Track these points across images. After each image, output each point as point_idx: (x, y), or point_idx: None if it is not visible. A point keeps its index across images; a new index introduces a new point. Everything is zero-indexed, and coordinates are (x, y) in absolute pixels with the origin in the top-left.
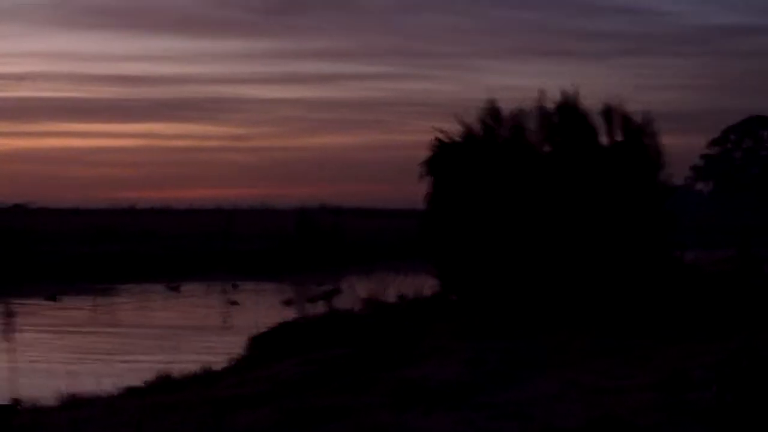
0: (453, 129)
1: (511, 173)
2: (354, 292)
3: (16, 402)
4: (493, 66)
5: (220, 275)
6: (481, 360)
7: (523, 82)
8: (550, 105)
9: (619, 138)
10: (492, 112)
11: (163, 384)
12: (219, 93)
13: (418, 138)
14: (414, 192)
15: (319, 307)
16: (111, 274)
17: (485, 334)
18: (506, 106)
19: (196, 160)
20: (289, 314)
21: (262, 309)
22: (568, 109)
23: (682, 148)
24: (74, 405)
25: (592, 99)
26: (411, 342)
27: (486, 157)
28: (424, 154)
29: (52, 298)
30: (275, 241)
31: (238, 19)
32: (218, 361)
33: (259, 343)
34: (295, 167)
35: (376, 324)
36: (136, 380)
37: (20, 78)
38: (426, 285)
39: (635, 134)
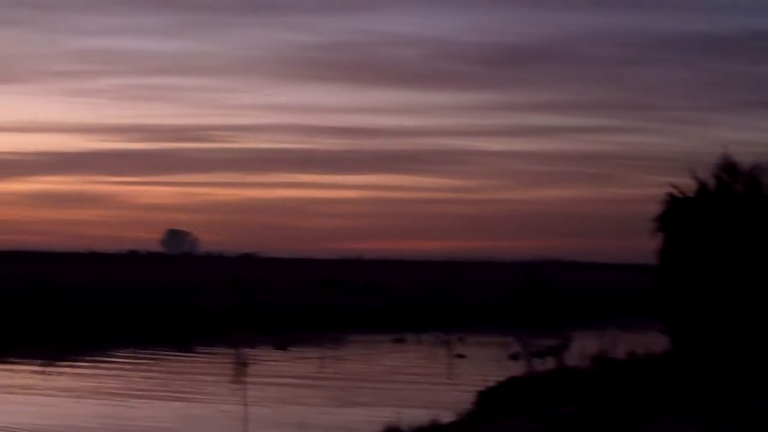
0: (685, 184)
1: (747, 229)
2: (582, 347)
3: None
4: (723, 120)
5: (445, 328)
6: (717, 424)
7: (754, 136)
8: None
9: None
10: (727, 166)
11: None
12: (444, 145)
13: (645, 192)
14: (641, 247)
15: (547, 363)
16: (337, 325)
17: (721, 395)
18: (741, 161)
19: (422, 211)
20: (516, 369)
21: (489, 363)
22: None
23: None
24: None
25: None
26: (642, 401)
27: (721, 213)
28: (652, 208)
29: (281, 347)
30: (501, 295)
31: (463, 72)
32: (445, 414)
33: (486, 397)
34: (520, 220)
35: (606, 381)
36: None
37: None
38: (656, 342)
39: None
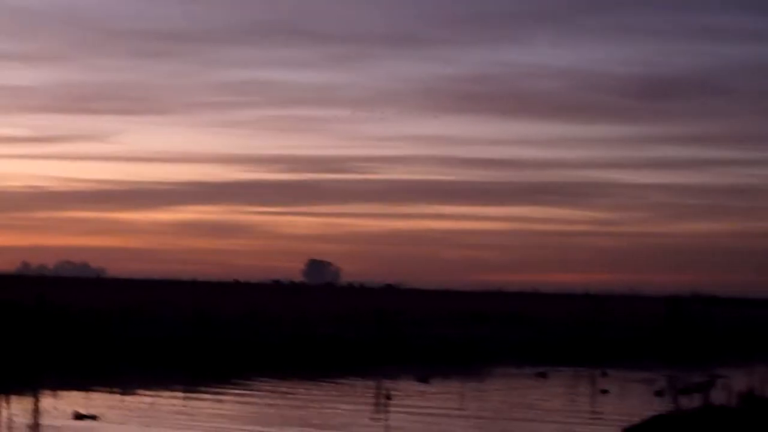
0: None
1: None
2: (729, 385)
3: None
4: None
5: (588, 362)
6: None
7: None
8: None
9: None
10: None
11: None
12: (587, 177)
13: None
14: None
15: (693, 400)
16: (480, 358)
17: None
18: None
19: (564, 244)
20: (662, 406)
21: (633, 399)
22: None
23: None
24: None
25: None
26: None
27: None
28: None
29: (423, 380)
30: (646, 329)
31: (609, 103)
32: None
33: None
34: (664, 254)
35: (754, 421)
36: None
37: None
38: None
39: None
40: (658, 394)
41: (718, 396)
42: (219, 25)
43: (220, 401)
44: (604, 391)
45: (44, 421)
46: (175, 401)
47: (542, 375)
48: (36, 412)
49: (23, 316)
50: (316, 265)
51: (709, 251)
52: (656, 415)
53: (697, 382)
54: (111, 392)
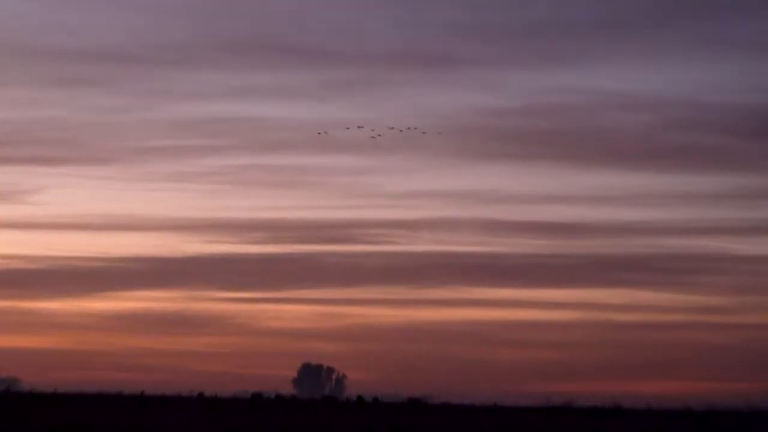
0: None
1: None
2: None
3: None
4: None
5: None
6: None
7: None
8: None
9: None
10: None
11: None
12: (688, 247)
13: None
14: None
15: None
16: None
17: None
18: None
19: (656, 341)
20: None
21: None
22: None
23: None
24: None
25: None
26: None
27: None
28: None
29: None
30: None
31: (716, 145)
32: None
33: None
34: None
35: None
36: None
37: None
38: None
39: None
40: None
41: None
42: (174, 41)
43: None
44: None
45: None
46: None
47: None
48: None
49: None
50: (311, 372)
51: None
52: None
53: None
54: None
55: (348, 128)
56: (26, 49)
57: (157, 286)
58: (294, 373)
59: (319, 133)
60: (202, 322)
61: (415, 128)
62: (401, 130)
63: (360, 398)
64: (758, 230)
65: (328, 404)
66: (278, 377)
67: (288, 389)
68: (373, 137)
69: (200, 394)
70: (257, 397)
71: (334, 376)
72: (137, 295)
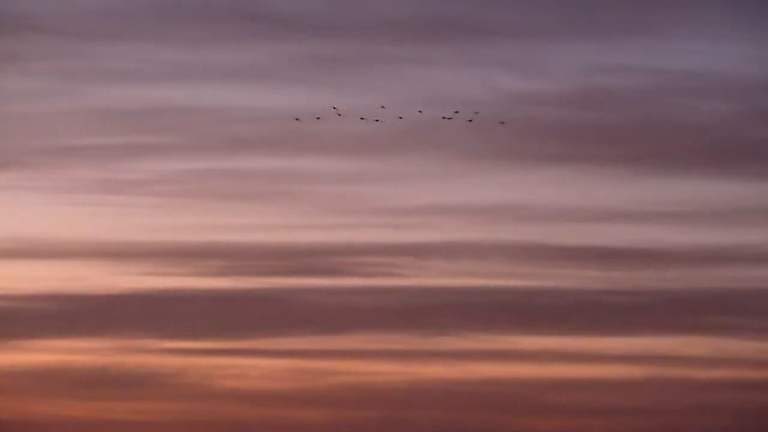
0: None
1: None
2: None
3: None
4: None
5: None
6: None
7: None
8: None
9: None
10: None
11: None
12: None
13: None
14: None
15: None
16: None
17: None
18: None
19: (747, 404)
20: None
21: None
22: None
23: None
24: None
25: None
26: None
27: None
28: None
29: None
30: None
31: None
32: None
33: None
34: None
35: None
36: None
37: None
38: None
39: None
40: None
41: None
42: (101, 7)
43: None
44: None
45: None
46: None
47: None
48: None
49: None
50: None
51: None
52: None
53: None
54: None
55: (340, 114)
56: None
57: (77, 333)
58: None
59: (297, 119)
60: (137, 381)
61: (432, 115)
62: (400, 119)
63: None
64: None
65: None
66: None
67: None
68: (373, 121)
69: None
70: None
71: None
72: (49, 346)
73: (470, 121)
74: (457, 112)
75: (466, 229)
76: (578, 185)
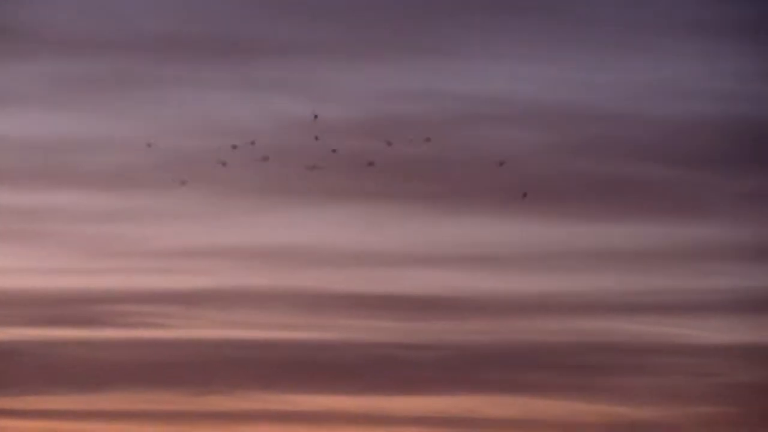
0: None
1: None
2: None
3: None
4: None
5: None
6: None
7: None
8: None
9: None
10: None
11: None
12: (607, 333)
13: None
14: None
15: None
16: None
17: None
18: None
19: None
20: None
21: None
22: None
23: None
24: None
25: None
26: None
27: None
28: None
29: None
30: None
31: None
32: None
33: None
34: None
35: None
36: None
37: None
38: None
39: None
40: None
41: None
42: None
43: None
44: None
45: None
46: None
47: None
48: None
49: None
50: None
51: None
52: None
53: None
54: None
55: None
56: None
57: None
58: None
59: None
60: None
61: (210, 145)
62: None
63: None
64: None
65: None
66: None
67: None
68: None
69: None
70: None
71: None
72: None
73: (267, 158)
74: (235, 147)
75: (244, 274)
76: (369, 225)
